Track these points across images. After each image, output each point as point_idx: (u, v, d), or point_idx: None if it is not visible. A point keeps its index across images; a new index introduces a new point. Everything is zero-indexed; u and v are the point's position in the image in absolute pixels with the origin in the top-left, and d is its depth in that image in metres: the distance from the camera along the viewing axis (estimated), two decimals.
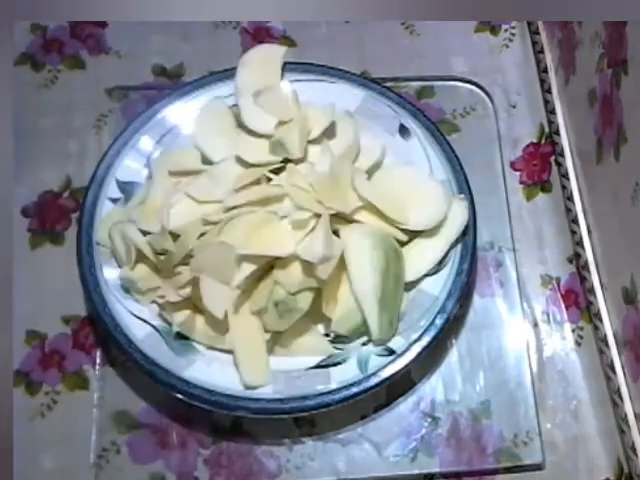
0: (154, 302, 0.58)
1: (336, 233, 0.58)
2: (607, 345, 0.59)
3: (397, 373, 0.56)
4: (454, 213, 0.60)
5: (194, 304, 0.57)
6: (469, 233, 0.60)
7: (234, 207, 0.57)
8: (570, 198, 0.66)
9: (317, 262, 0.54)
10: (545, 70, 0.71)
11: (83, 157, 0.67)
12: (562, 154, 0.67)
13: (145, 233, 0.58)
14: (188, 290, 0.57)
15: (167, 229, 0.57)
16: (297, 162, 0.61)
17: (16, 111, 0.65)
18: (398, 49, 0.73)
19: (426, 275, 0.59)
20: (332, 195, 0.58)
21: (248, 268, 0.55)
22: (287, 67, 0.67)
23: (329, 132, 0.63)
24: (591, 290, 0.62)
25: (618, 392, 0.58)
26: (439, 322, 0.57)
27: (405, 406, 0.59)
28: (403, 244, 0.60)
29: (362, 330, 0.57)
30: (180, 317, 0.57)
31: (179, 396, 0.55)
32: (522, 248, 0.65)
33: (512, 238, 0.65)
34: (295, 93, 0.63)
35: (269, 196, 0.58)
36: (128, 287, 0.59)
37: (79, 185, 0.65)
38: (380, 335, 0.56)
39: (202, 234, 0.58)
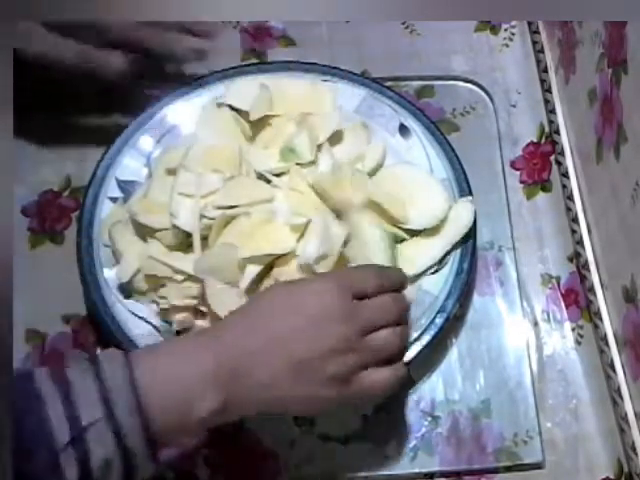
0: (154, 302, 0.58)
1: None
2: (607, 344, 0.59)
3: None
4: (459, 214, 0.60)
5: (194, 308, 0.57)
6: (470, 233, 0.60)
7: (230, 207, 0.58)
8: (570, 197, 0.66)
9: (312, 262, 0.55)
10: (545, 69, 0.71)
11: (83, 157, 0.67)
12: (562, 153, 0.67)
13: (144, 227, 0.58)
14: (195, 301, 0.57)
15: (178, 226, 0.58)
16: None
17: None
18: (398, 49, 0.74)
19: (425, 273, 0.59)
20: (333, 196, 0.59)
21: (254, 270, 0.56)
22: (288, 66, 0.68)
23: (337, 137, 0.63)
24: (591, 289, 0.62)
25: (618, 391, 0.58)
26: (439, 321, 0.57)
27: (405, 405, 0.59)
28: (404, 240, 0.60)
29: None
30: (180, 316, 0.57)
31: None
32: (522, 247, 0.65)
33: (512, 237, 0.65)
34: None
35: (262, 199, 0.58)
36: (128, 287, 0.59)
37: (79, 184, 0.65)
38: None
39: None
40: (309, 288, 0.50)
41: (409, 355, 0.56)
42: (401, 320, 0.52)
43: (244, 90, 0.65)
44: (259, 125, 0.65)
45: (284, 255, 0.56)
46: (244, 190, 0.59)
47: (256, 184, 0.60)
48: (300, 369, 0.47)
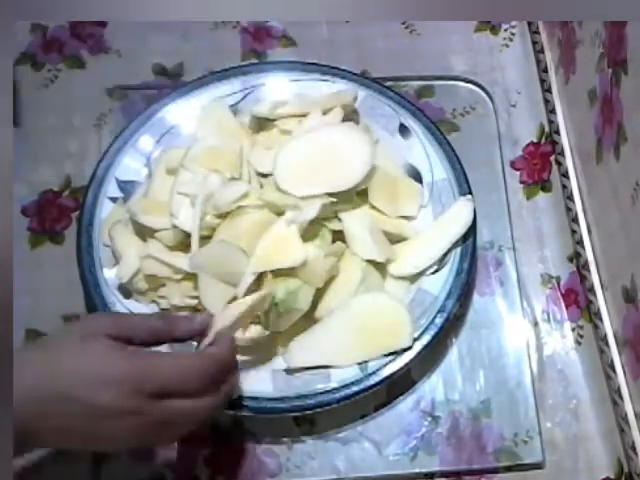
0: (154, 302, 0.58)
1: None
2: (607, 344, 0.59)
3: (397, 372, 0.56)
4: (459, 213, 0.60)
5: (194, 307, 0.57)
6: (469, 232, 0.60)
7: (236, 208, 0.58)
8: (570, 197, 0.66)
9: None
10: (545, 69, 0.71)
11: (83, 157, 0.67)
12: (562, 153, 0.67)
13: (144, 227, 0.58)
14: (195, 301, 0.57)
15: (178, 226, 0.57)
16: None
17: (16, 111, 0.65)
18: (398, 49, 0.73)
19: (425, 273, 0.59)
20: None
21: (252, 276, 0.56)
22: (288, 66, 0.68)
23: None
24: (591, 289, 0.62)
25: (618, 391, 0.58)
26: (439, 321, 0.57)
27: (405, 405, 0.59)
28: (403, 239, 0.60)
29: None
30: None
31: None
32: (522, 247, 0.65)
33: (512, 237, 0.65)
34: None
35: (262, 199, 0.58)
36: (128, 287, 0.59)
37: (79, 184, 0.65)
38: None
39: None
40: (104, 372, 0.44)
41: (410, 355, 0.56)
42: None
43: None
44: (260, 125, 0.65)
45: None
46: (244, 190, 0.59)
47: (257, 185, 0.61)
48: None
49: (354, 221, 0.59)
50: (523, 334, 0.62)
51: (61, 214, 0.65)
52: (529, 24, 0.75)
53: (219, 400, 0.49)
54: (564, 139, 0.68)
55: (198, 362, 0.48)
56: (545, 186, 0.68)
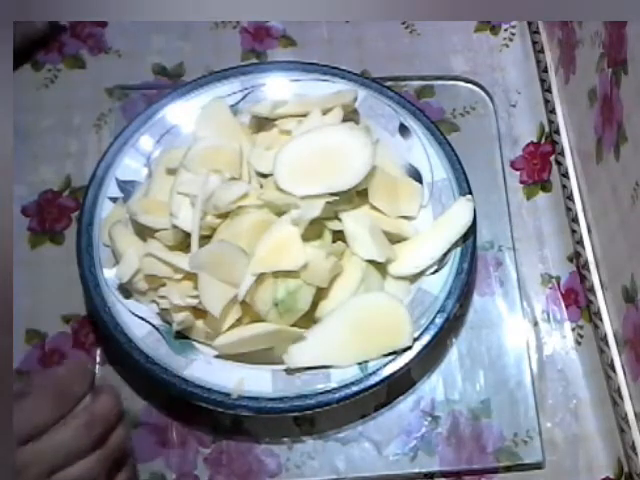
0: (154, 302, 0.58)
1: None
2: (607, 344, 0.59)
3: (397, 372, 0.56)
4: (458, 213, 0.60)
5: (194, 307, 0.57)
6: (469, 232, 0.60)
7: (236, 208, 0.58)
8: (570, 197, 0.66)
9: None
10: (545, 69, 0.71)
11: (83, 156, 0.67)
12: (562, 153, 0.67)
13: (144, 227, 0.58)
14: (195, 301, 0.57)
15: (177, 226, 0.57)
16: None
17: (16, 111, 0.65)
18: (398, 49, 0.73)
19: (425, 273, 0.59)
20: None
21: (252, 278, 0.56)
22: (288, 66, 0.68)
23: None
24: (591, 289, 0.62)
25: (618, 391, 0.58)
26: (439, 321, 0.57)
27: (405, 405, 0.59)
28: (403, 239, 0.60)
29: None
30: (180, 316, 0.57)
31: (179, 395, 0.55)
32: (522, 247, 0.65)
33: (512, 237, 0.65)
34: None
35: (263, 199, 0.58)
36: (128, 287, 0.59)
37: (79, 184, 0.65)
38: None
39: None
40: None
41: (410, 355, 0.56)
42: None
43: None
44: (260, 125, 0.65)
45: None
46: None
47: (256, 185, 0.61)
48: None
49: (354, 221, 0.59)
50: (523, 334, 0.62)
51: (61, 214, 0.65)
52: (529, 24, 0.75)
53: (108, 453, 0.48)
54: (564, 139, 0.68)
55: (75, 426, 0.46)
56: (545, 186, 0.68)
